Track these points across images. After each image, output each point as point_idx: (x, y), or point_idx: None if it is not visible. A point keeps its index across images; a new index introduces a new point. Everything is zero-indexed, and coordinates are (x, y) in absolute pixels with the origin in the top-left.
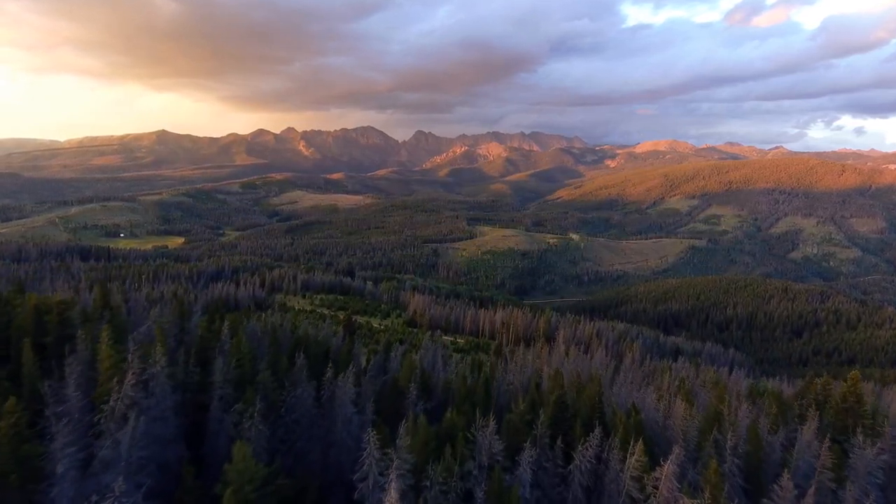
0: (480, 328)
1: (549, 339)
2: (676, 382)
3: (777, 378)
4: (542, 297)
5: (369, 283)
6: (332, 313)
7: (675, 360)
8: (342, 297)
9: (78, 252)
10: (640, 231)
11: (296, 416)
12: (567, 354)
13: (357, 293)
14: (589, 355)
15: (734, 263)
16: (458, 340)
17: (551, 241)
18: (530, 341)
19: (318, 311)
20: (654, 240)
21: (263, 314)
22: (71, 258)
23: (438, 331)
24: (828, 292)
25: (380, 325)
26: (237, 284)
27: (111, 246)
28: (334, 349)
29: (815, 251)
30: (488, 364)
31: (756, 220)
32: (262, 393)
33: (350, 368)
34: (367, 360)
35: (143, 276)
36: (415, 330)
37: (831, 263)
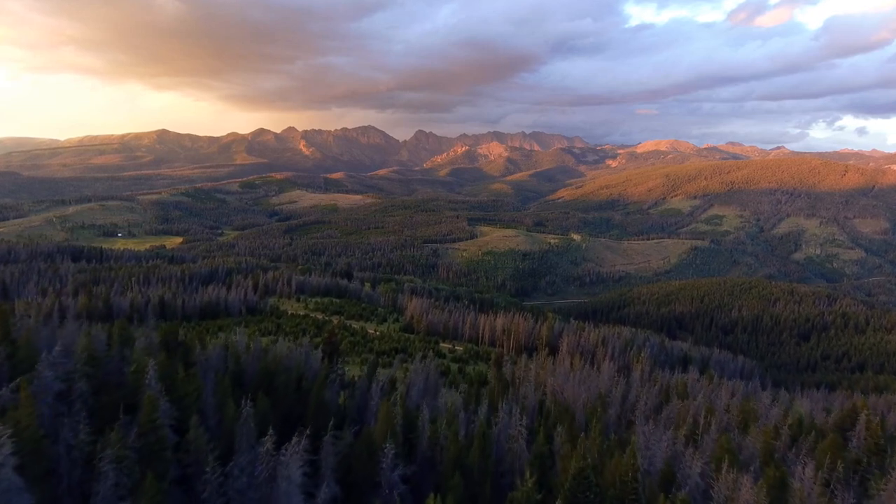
0: (480, 334)
1: (553, 346)
2: (702, 412)
3: (792, 388)
4: (543, 298)
5: (367, 285)
6: (326, 318)
7: (685, 369)
8: (338, 301)
9: (69, 253)
10: (641, 231)
11: (226, 497)
12: (572, 366)
13: (354, 296)
14: (595, 366)
15: (737, 264)
16: (457, 348)
17: (552, 241)
18: (532, 350)
19: (312, 315)
20: (655, 240)
21: (238, 328)
22: (61, 259)
23: (436, 338)
24: (834, 295)
25: (375, 331)
26: (228, 288)
27: (107, 246)
28: (310, 376)
29: (818, 252)
30: (487, 393)
31: (758, 220)
32: (195, 456)
33: (300, 438)
34: (353, 386)
35: (133, 279)
36: (411, 336)
37: (835, 265)
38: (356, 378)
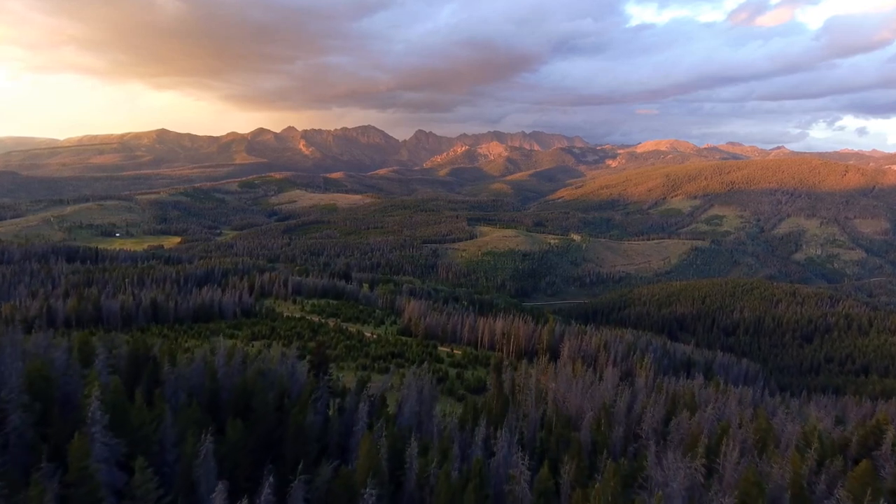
0: (479, 338)
1: (554, 351)
2: (717, 431)
3: (797, 393)
4: (543, 298)
5: (365, 286)
6: (323, 320)
7: (689, 374)
8: (335, 302)
9: (64, 253)
10: (641, 231)
11: None
12: (574, 373)
13: (351, 297)
14: (597, 372)
15: (737, 265)
16: (456, 352)
17: (552, 241)
18: (533, 354)
19: (308, 318)
20: (656, 240)
21: (220, 337)
22: (55, 260)
23: (434, 341)
24: (837, 296)
25: (372, 334)
26: (223, 289)
27: (104, 246)
28: (294, 392)
29: (818, 252)
30: (485, 406)
31: (759, 220)
32: None
33: (262, 493)
34: (343, 395)
35: (127, 280)
36: (409, 340)
37: (835, 265)
38: (349, 387)
